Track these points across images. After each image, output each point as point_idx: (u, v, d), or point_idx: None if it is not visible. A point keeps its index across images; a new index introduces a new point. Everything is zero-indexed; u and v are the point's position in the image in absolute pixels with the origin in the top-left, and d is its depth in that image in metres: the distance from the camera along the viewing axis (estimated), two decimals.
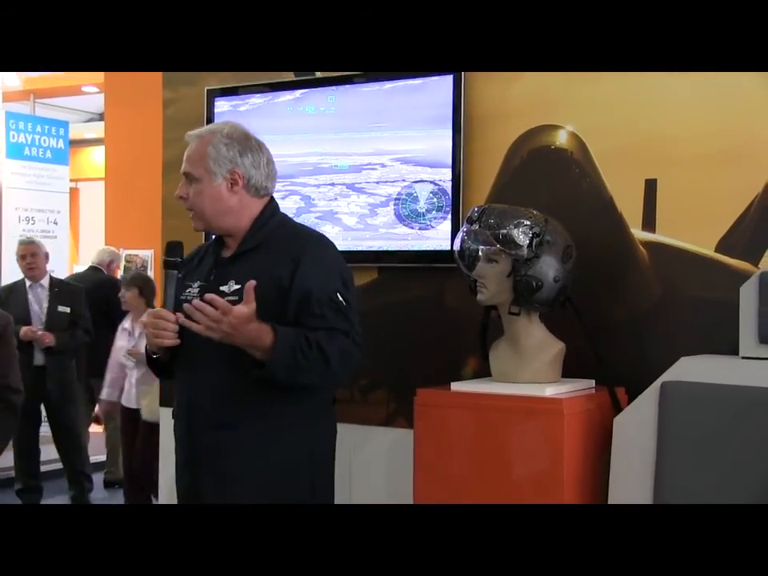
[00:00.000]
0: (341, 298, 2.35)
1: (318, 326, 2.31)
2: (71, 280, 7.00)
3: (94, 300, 6.17)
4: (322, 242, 2.50)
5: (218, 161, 2.41)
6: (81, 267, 11.84)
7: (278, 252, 2.40)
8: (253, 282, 2.24)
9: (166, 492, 3.57)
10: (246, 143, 2.46)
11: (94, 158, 13.52)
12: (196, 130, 2.52)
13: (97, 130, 12.50)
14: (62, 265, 9.91)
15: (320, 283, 2.35)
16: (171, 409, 2.54)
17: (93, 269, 6.94)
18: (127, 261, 8.59)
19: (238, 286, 2.36)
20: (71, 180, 10.69)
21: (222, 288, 2.38)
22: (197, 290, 2.43)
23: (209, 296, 2.24)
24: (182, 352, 2.41)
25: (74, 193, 12.94)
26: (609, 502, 2.50)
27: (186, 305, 2.25)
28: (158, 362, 2.51)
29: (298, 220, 3.25)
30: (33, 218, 9.47)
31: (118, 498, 6.45)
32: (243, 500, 2.34)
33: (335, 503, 2.53)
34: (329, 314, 2.33)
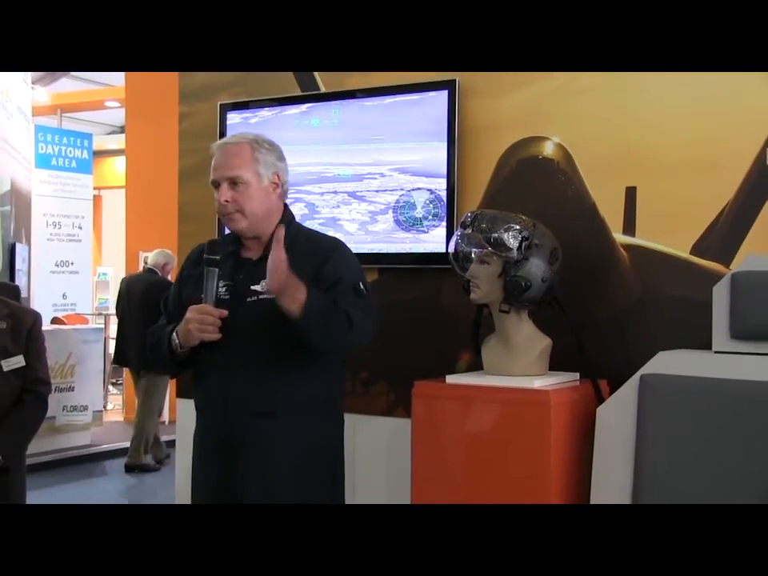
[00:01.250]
0: (362, 287, 2.39)
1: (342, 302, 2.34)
2: (126, 282, 7.00)
3: (149, 301, 6.16)
4: (344, 244, 2.54)
5: (265, 165, 2.41)
6: (103, 268, 11.87)
7: (303, 254, 2.38)
8: (281, 233, 2.24)
9: (183, 478, 3.57)
10: (279, 150, 2.49)
11: (116, 168, 13.56)
12: (225, 139, 2.50)
13: (118, 141, 12.54)
14: (86, 266, 9.94)
15: (347, 273, 2.38)
16: (189, 400, 2.53)
17: (149, 271, 6.93)
18: (146, 262, 8.60)
19: None
20: (94, 188, 10.73)
21: (253, 287, 2.38)
22: (224, 289, 2.41)
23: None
24: (215, 347, 2.39)
25: (97, 200, 12.98)
26: (592, 487, 2.50)
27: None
28: (180, 357, 2.46)
29: None
30: (59, 222, 9.49)
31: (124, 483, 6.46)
32: (276, 484, 2.36)
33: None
34: (352, 297, 2.35)
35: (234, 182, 2.40)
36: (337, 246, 2.49)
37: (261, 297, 2.36)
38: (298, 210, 3.41)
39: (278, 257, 2.18)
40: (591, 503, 2.49)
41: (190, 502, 2.58)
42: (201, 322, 2.34)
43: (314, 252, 2.42)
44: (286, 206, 2.53)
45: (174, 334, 2.42)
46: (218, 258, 2.40)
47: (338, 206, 3.37)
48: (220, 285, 2.41)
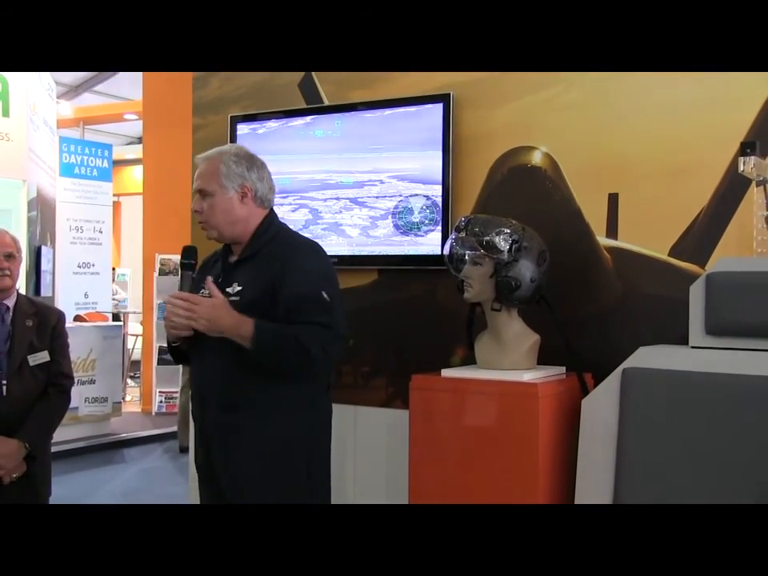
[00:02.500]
0: (325, 296, 2.30)
1: (302, 320, 2.26)
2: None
3: None
4: (310, 247, 2.45)
5: (229, 176, 2.39)
6: (122, 270, 11.86)
7: (271, 257, 2.37)
8: (210, 278, 2.31)
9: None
10: (252, 160, 2.45)
11: (134, 176, 13.55)
12: (204, 153, 2.48)
13: (136, 151, 12.54)
14: (106, 267, 9.93)
15: (307, 283, 2.31)
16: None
17: None
18: (162, 264, 8.60)
19: (240, 288, 2.35)
20: (114, 195, 10.70)
21: (227, 290, 2.36)
22: (208, 292, 2.37)
23: (177, 293, 2.30)
24: (194, 342, 2.40)
25: (116, 206, 12.95)
26: (578, 471, 2.49)
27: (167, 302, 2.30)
28: (178, 350, 2.50)
29: (306, 231, 3.27)
30: (81, 227, 9.48)
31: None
32: (248, 472, 2.34)
33: (332, 485, 2.51)
34: (313, 310, 2.28)
35: (203, 194, 2.41)
36: (293, 253, 2.38)
37: (231, 299, 2.33)
38: (302, 216, 3.41)
39: (205, 299, 2.27)
40: (577, 488, 2.49)
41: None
42: (172, 319, 2.34)
43: (279, 255, 2.36)
44: (271, 210, 2.49)
45: None
46: (192, 262, 2.42)
47: (341, 212, 3.36)
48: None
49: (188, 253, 2.44)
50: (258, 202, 2.44)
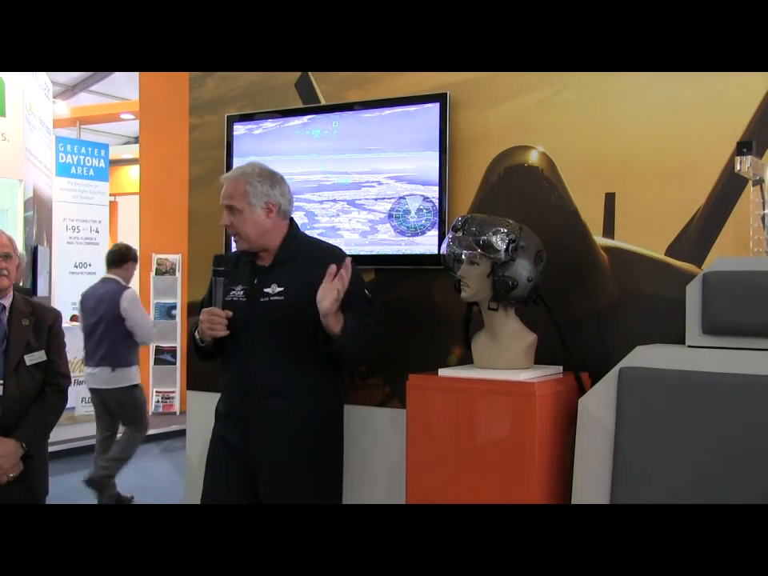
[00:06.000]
0: (368, 293, 2.75)
1: (361, 313, 2.64)
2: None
3: None
4: (340, 251, 2.81)
5: (255, 195, 2.69)
6: None
7: (306, 261, 2.70)
8: (333, 267, 2.52)
9: (193, 463, 3.56)
10: (273, 178, 2.76)
11: (131, 176, 13.53)
12: (228, 173, 2.79)
13: (133, 151, 12.52)
14: (103, 267, 9.92)
15: (354, 283, 2.59)
16: (200, 392, 2.67)
17: None
18: (159, 264, 8.60)
19: (281, 288, 2.67)
20: (111, 194, 10.70)
21: (266, 290, 2.67)
22: (241, 292, 2.71)
23: (219, 311, 2.64)
24: (233, 339, 2.66)
25: (113, 205, 12.96)
26: (575, 470, 2.49)
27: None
28: (204, 350, 2.75)
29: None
30: (78, 227, 9.47)
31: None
32: (286, 456, 2.63)
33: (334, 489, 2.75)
34: (364, 305, 2.68)
35: (231, 209, 2.69)
36: (339, 255, 2.70)
37: (271, 298, 2.65)
38: (298, 219, 3.40)
39: (329, 287, 2.49)
40: (573, 487, 2.49)
41: (199, 488, 2.59)
42: (211, 322, 2.63)
43: (316, 259, 2.66)
44: (291, 220, 2.82)
45: (196, 331, 2.73)
46: (223, 269, 2.68)
47: (338, 215, 3.35)
48: (237, 288, 2.72)
49: (219, 261, 2.70)
50: (281, 215, 2.76)
